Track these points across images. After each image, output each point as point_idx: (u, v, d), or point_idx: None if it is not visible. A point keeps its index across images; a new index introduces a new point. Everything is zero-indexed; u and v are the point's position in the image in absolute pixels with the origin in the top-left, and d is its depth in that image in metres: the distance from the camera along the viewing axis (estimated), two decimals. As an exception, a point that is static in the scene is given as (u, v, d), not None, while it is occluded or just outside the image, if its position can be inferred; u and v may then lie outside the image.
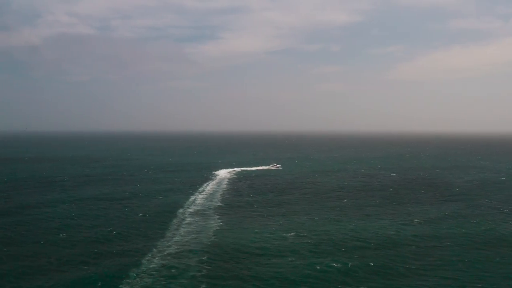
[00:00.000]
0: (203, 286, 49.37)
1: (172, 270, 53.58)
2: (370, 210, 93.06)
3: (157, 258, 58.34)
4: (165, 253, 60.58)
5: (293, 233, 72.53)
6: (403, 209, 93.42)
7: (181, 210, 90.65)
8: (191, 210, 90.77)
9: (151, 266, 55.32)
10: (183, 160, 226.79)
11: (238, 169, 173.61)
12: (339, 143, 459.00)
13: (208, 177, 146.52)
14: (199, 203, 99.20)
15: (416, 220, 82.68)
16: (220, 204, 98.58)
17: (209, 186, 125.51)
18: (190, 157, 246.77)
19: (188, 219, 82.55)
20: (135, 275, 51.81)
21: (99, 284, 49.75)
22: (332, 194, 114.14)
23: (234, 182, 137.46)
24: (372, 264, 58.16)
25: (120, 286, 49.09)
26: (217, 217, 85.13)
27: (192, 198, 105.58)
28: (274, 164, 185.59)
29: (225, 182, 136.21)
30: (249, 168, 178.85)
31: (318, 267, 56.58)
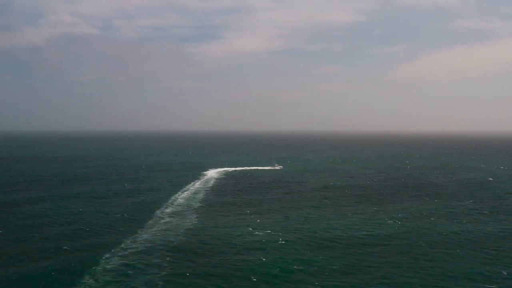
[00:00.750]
0: (159, 285, 49.49)
1: (130, 269, 53.91)
2: (348, 209, 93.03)
3: (117, 256, 58.64)
4: (129, 251, 60.90)
5: (266, 232, 72.75)
6: (381, 209, 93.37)
7: (160, 209, 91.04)
8: (169, 210, 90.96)
9: (110, 265, 55.62)
10: (177, 159, 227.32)
11: (229, 169, 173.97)
12: (338, 143, 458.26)
13: (196, 177, 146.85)
14: (179, 202, 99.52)
15: (391, 220, 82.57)
16: (200, 203, 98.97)
17: (195, 186, 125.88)
18: (185, 157, 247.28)
19: (165, 218, 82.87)
20: (92, 272, 52.23)
21: (54, 284, 50.21)
22: (315, 194, 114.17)
23: (221, 182, 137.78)
24: (336, 263, 58.27)
25: (75, 283, 49.53)
26: (194, 216, 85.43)
27: (174, 197, 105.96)
28: (276, 164, 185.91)
29: (212, 181, 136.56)
30: (240, 168, 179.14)
31: (281, 266, 56.74)
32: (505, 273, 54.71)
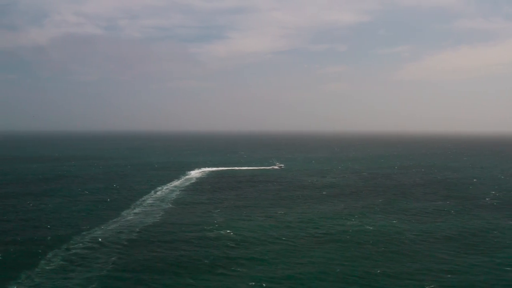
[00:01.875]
0: (96, 282, 49.82)
1: (75, 265, 54.95)
2: (315, 208, 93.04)
3: (66, 252, 59.76)
4: (79, 248, 61.87)
5: (224, 231, 73.00)
6: (349, 207, 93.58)
7: (128, 209, 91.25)
8: (137, 209, 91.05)
9: (54, 261, 56.59)
10: (168, 159, 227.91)
11: (214, 169, 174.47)
12: (334, 143, 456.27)
13: (178, 176, 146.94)
14: (150, 202, 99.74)
15: (354, 219, 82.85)
16: (171, 202, 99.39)
17: (173, 185, 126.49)
18: (177, 157, 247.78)
19: (130, 216, 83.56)
20: (34, 269, 53.20)
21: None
22: (289, 193, 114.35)
23: (201, 181, 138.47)
24: (284, 260, 58.76)
25: (16, 278, 50.15)
26: (160, 214, 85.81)
27: (148, 196, 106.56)
28: (277, 164, 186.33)
29: (192, 181, 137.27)
30: (225, 168, 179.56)
31: (225, 265, 57.16)
32: (450, 275, 54.53)
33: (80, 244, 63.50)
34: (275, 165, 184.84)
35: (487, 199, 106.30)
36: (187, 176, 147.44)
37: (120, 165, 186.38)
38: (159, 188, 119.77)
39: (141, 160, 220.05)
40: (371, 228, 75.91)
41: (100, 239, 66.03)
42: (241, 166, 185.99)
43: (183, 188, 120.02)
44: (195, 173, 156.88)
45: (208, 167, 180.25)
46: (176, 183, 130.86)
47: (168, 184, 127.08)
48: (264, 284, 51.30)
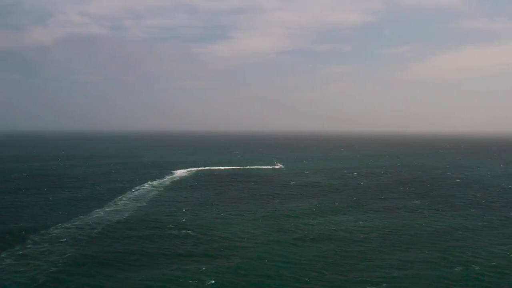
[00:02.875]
0: (42, 280, 50.57)
1: (27, 261, 55.91)
2: (285, 207, 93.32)
3: (16, 252, 60.59)
4: (30, 247, 62.75)
5: (188, 229, 73.62)
6: (322, 205, 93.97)
7: (100, 207, 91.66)
8: (110, 208, 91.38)
9: (4, 261, 57.44)
10: (160, 159, 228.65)
11: (201, 168, 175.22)
12: (335, 144, 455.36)
13: (163, 176, 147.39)
14: (125, 201, 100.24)
15: (317, 220, 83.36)
16: (145, 201, 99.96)
17: (155, 183, 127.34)
18: (171, 156, 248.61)
19: (99, 213, 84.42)
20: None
21: None
22: (269, 192, 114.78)
23: (186, 180, 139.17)
24: (235, 255, 59.28)
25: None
26: (129, 213, 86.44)
27: (126, 195, 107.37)
28: (278, 164, 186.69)
29: (175, 180, 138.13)
30: (213, 168, 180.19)
31: (181, 265, 57.77)
32: (396, 272, 54.87)
33: (40, 241, 64.55)
34: (275, 165, 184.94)
35: (463, 199, 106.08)
36: (171, 176, 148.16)
37: (110, 164, 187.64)
38: (139, 187, 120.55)
39: (134, 159, 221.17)
40: (335, 227, 76.19)
41: (60, 236, 67.14)
42: (231, 166, 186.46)
43: (162, 188, 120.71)
44: (180, 173, 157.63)
45: (197, 166, 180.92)
46: (158, 182, 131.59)
47: (149, 183, 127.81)
48: (212, 281, 51.86)
